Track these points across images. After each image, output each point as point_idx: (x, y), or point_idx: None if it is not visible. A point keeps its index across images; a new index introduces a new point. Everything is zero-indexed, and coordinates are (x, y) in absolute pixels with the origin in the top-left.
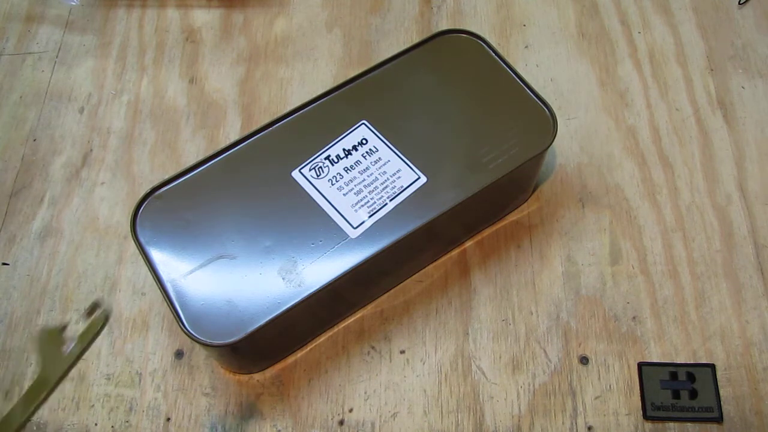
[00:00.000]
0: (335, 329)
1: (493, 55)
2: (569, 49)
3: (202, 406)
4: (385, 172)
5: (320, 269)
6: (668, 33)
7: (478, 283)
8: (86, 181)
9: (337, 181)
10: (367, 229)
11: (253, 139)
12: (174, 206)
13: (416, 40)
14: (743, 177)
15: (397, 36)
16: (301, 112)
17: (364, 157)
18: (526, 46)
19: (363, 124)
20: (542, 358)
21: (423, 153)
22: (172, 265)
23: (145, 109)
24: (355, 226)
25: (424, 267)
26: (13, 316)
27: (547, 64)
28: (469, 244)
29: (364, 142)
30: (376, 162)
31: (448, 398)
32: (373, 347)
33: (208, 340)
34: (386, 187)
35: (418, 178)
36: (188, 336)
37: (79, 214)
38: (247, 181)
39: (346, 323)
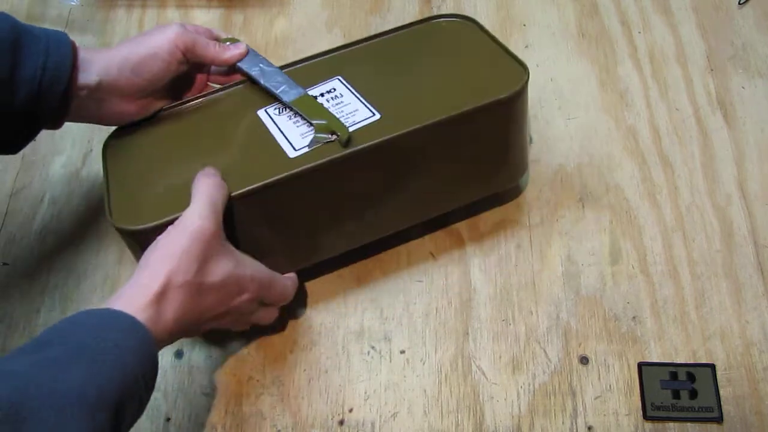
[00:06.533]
0: (336, 331)
1: (483, 33)
2: (569, 49)
3: (202, 406)
4: (342, 111)
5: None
6: (668, 33)
7: (478, 283)
8: (86, 181)
9: (294, 117)
10: (307, 153)
11: (238, 87)
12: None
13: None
14: (743, 177)
15: None
16: (286, 69)
17: (327, 100)
18: (526, 46)
19: (338, 78)
20: (542, 358)
21: (386, 100)
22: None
23: None
24: (297, 149)
25: (405, 225)
26: (13, 316)
27: (547, 64)
28: (470, 248)
29: (332, 90)
30: (335, 101)
31: (448, 398)
32: (373, 347)
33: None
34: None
35: (373, 115)
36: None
37: (79, 214)
38: (219, 120)
39: (347, 323)
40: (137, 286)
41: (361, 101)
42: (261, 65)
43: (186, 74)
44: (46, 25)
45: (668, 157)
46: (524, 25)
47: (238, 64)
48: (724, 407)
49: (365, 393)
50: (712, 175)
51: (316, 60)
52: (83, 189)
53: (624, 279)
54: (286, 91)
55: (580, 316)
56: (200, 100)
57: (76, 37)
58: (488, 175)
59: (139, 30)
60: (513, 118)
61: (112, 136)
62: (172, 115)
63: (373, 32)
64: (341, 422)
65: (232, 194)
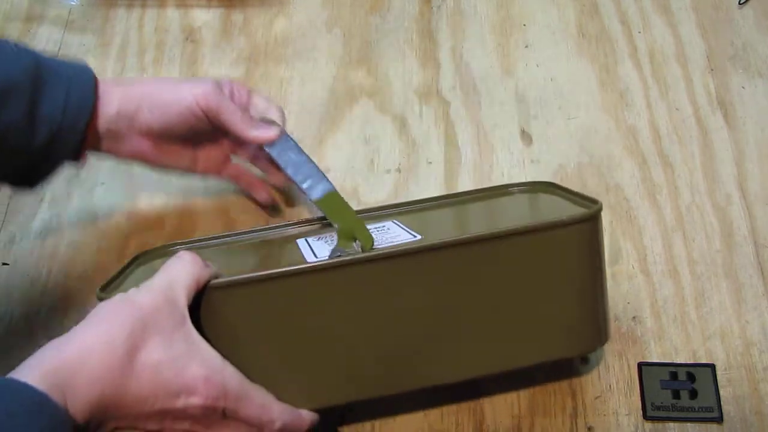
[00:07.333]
0: None
1: (560, 191)
2: (569, 48)
3: None
4: (382, 236)
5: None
6: (668, 33)
7: None
8: (86, 181)
9: (331, 241)
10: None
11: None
12: None
13: (416, 39)
14: (743, 177)
15: (397, 36)
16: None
17: (372, 230)
18: (526, 46)
19: (393, 221)
20: None
21: (435, 231)
22: None
23: None
24: (318, 257)
25: (429, 383)
26: (13, 316)
27: (547, 63)
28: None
29: (382, 227)
30: (379, 231)
31: (448, 398)
32: None
33: None
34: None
35: (414, 237)
36: None
37: (79, 214)
38: (256, 248)
39: None
40: (47, 350)
41: (407, 231)
42: (291, 154)
43: (211, 134)
44: (46, 26)
45: (668, 157)
46: (524, 25)
47: (266, 147)
48: (724, 407)
49: None
50: (712, 175)
51: (381, 210)
52: (83, 189)
53: (624, 279)
54: (313, 186)
55: None
56: (248, 234)
57: (76, 37)
58: (547, 332)
59: (139, 30)
60: (575, 254)
61: (152, 250)
62: (215, 245)
63: (372, 32)
64: (341, 422)
65: (219, 282)
